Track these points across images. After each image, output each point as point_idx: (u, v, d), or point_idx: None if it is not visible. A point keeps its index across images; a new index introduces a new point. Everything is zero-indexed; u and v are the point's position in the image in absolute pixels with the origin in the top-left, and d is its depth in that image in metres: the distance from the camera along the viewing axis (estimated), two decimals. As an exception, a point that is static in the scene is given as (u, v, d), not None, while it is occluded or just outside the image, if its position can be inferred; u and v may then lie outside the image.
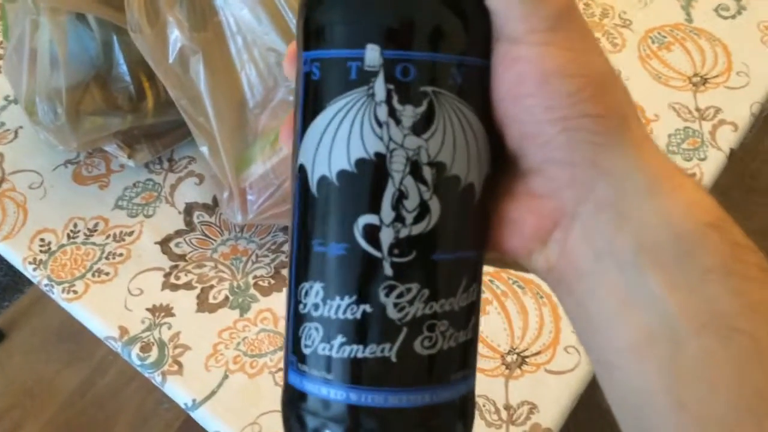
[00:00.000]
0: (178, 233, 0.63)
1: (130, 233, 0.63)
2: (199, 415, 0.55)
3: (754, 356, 0.20)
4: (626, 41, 0.75)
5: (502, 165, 0.25)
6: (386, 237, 0.22)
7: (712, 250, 0.21)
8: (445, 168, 0.22)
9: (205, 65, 0.53)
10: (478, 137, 0.23)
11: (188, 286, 0.60)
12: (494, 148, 0.24)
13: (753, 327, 0.20)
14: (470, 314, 0.24)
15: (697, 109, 0.70)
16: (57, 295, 0.60)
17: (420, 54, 0.22)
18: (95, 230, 0.63)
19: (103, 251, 0.62)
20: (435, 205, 0.22)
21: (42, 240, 0.62)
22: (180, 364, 0.56)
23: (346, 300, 0.22)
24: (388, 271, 0.22)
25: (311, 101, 0.23)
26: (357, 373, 0.22)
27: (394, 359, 0.22)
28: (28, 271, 0.61)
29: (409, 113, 0.22)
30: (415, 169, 0.22)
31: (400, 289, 0.22)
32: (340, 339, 0.22)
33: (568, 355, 0.57)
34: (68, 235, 0.63)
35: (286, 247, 0.63)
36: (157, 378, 0.56)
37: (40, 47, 0.58)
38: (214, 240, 0.63)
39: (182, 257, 0.62)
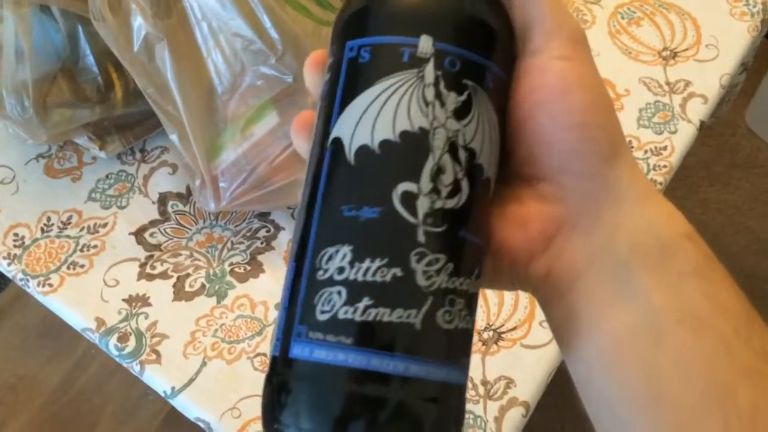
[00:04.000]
0: (153, 223, 0.63)
1: (104, 225, 0.63)
2: (179, 403, 0.55)
3: (722, 352, 0.23)
4: (596, 18, 0.75)
5: (506, 173, 0.27)
6: (422, 205, 0.23)
7: (687, 257, 0.24)
8: (475, 155, 0.24)
9: (170, 53, 0.53)
10: (495, 138, 0.25)
11: (164, 275, 0.60)
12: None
13: (721, 325, 0.23)
14: (475, 304, 0.25)
15: (668, 83, 0.71)
16: (32, 288, 0.59)
17: (467, 52, 0.24)
18: (69, 223, 0.63)
19: (78, 244, 0.62)
20: (465, 186, 0.24)
21: (16, 235, 0.62)
22: (158, 353, 0.56)
23: (377, 262, 0.23)
24: (420, 237, 0.23)
25: (354, 81, 0.25)
26: (381, 337, 0.22)
27: (418, 326, 0.22)
28: (3, 266, 0.61)
29: (452, 99, 0.24)
30: (453, 148, 0.24)
31: (430, 257, 0.23)
32: (366, 302, 0.22)
33: (543, 329, 0.57)
34: (42, 229, 0.62)
35: (261, 234, 0.63)
36: (135, 367, 0.56)
37: (5, 40, 0.57)
38: (189, 229, 0.63)
39: (157, 247, 0.62)
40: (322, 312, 0.23)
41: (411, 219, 0.23)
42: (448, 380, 0.23)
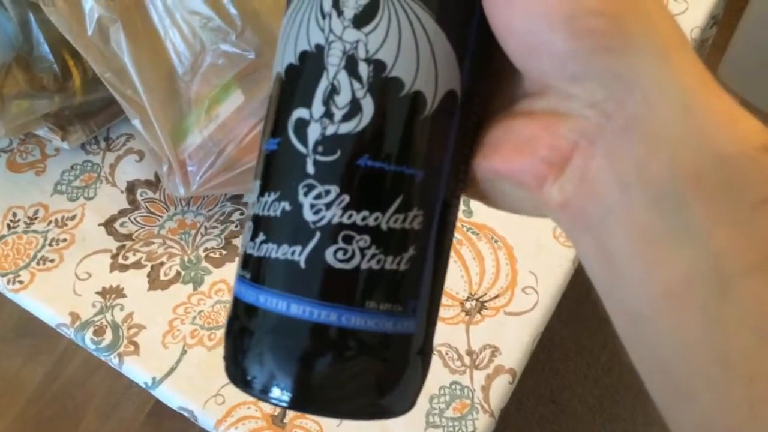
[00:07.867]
0: (122, 213, 0.62)
1: (72, 217, 0.61)
2: (161, 393, 0.54)
3: None
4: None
5: (501, 85, 0.23)
6: (313, 132, 0.21)
7: (765, 177, 0.18)
8: (385, 67, 0.21)
9: (126, 34, 0.51)
10: (435, 44, 0.21)
11: (137, 265, 0.59)
12: (486, 67, 0.23)
13: None
14: (407, 243, 0.22)
15: (639, 40, 0.70)
16: (2, 287, 0.58)
17: None
18: (36, 218, 0.61)
19: (46, 238, 0.60)
20: (368, 105, 0.21)
21: (-19, 233, 0.60)
22: (136, 344, 0.55)
23: (272, 196, 0.22)
24: (309, 168, 0.21)
25: (288, 2, 0.23)
26: (267, 273, 0.22)
27: (302, 264, 0.21)
28: (-30, 266, 0.59)
29: (351, 4, 0.21)
30: (350, 63, 0.21)
31: (319, 189, 0.21)
32: (261, 236, 0.22)
33: (526, 295, 0.57)
34: (8, 225, 0.61)
35: (235, 217, 0.61)
36: (114, 360, 0.55)
37: (-47, 32, 0.55)
38: (160, 216, 0.61)
39: (128, 237, 0.60)
40: (242, 246, 0.23)
41: (302, 148, 0.21)
42: (342, 324, 0.21)
